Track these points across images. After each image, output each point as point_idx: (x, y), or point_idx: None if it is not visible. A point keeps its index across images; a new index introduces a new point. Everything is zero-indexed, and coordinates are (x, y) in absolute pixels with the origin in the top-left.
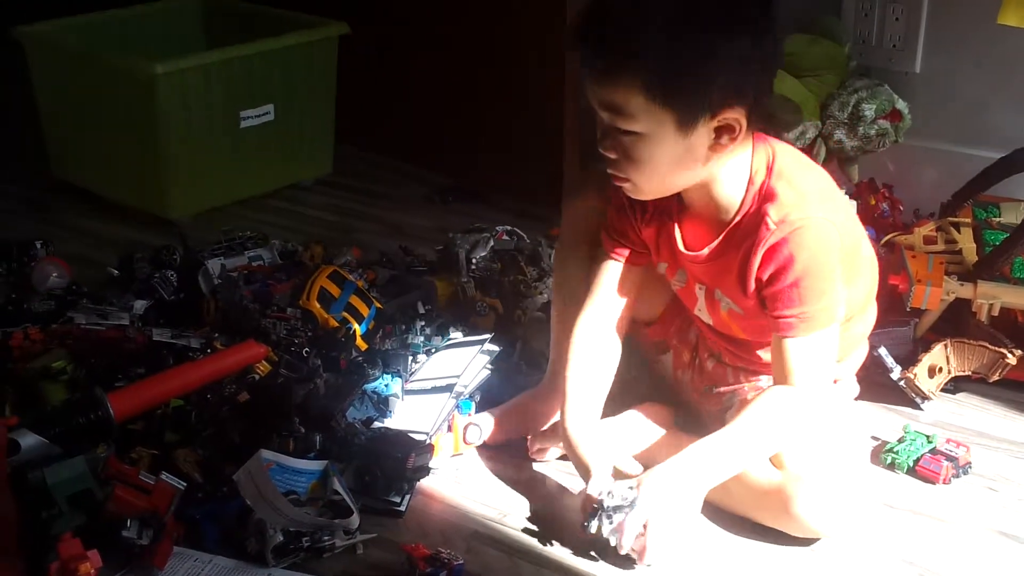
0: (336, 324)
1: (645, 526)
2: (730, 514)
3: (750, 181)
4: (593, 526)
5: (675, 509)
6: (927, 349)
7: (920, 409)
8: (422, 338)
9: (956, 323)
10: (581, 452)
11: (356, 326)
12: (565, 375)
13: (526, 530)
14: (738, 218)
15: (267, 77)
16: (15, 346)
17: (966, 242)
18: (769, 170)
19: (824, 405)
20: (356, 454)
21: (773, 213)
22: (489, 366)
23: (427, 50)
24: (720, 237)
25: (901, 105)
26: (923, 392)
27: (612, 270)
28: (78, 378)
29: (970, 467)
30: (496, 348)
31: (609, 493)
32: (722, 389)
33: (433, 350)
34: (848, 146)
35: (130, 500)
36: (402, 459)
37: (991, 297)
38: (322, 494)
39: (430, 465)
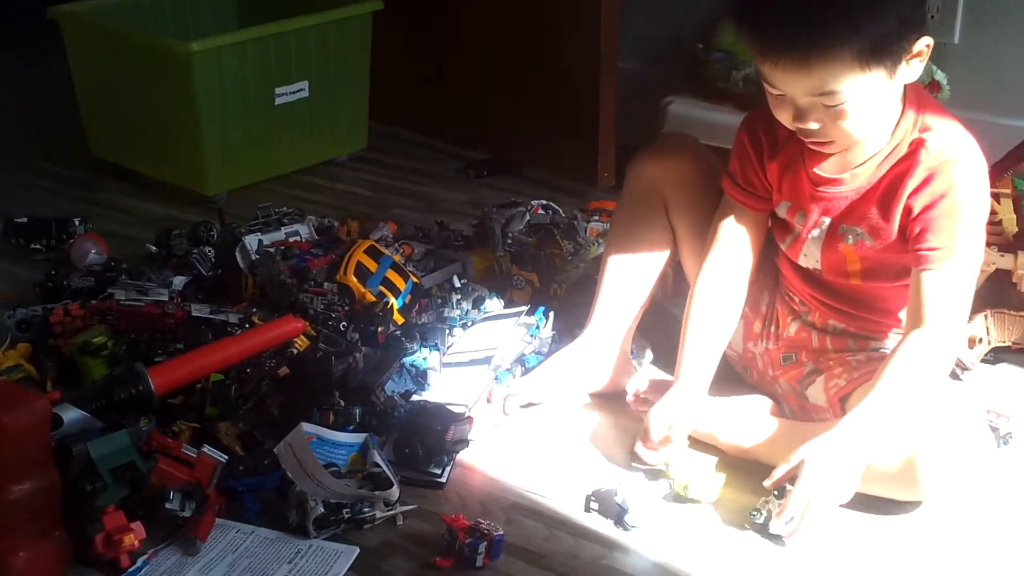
0: (373, 298)
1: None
2: None
3: (902, 112)
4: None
5: (838, 487)
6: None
7: (960, 380)
8: (459, 311)
9: (997, 294)
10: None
11: (393, 300)
12: (687, 316)
13: (565, 502)
14: (890, 147)
15: (302, 54)
16: (56, 322)
17: (1006, 213)
18: (921, 103)
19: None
20: (396, 427)
21: (933, 141)
22: (527, 339)
23: (460, 25)
24: (865, 163)
25: (940, 76)
26: (963, 363)
27: (736, 216)
28: (118, 353)
29: (1011, 437)
30: (533, 320)
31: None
32: (804, 359)
33: (470, 323)
34: None
35: (173, 473)
36: (443, 431)
37: None
38: (362, 466)
39: (469, 437)
